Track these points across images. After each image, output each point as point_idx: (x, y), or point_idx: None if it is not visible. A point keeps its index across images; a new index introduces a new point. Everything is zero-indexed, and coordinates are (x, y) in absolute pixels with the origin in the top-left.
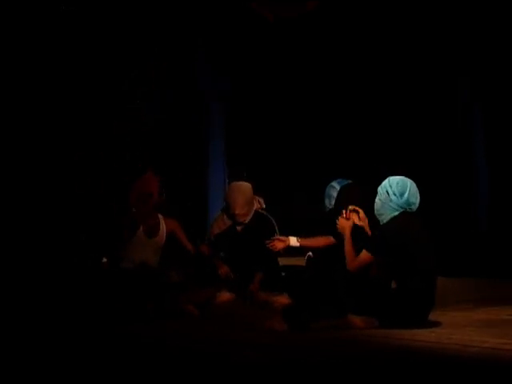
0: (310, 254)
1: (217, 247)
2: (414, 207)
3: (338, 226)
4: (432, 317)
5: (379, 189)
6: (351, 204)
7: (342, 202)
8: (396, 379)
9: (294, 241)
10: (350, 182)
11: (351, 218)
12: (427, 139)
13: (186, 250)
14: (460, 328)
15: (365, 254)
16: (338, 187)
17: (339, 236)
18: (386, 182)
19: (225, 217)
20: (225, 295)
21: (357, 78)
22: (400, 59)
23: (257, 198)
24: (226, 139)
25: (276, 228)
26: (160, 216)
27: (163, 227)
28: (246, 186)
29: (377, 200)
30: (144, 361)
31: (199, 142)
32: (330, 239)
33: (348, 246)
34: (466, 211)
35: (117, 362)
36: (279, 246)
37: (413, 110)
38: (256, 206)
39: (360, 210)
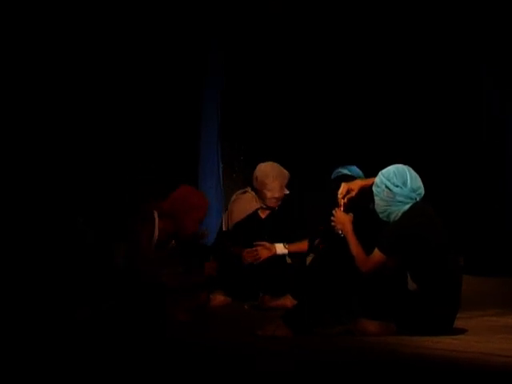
0: None
1: (236, 238)
2: (422, 191)
3: (334, 223)
4: (456, 321)
5: (375, 188)
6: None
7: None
8: None
9: (280, 248)
10: (354, 166)
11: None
12: (454, 133)
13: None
14: (487, 335)
15: (378, 255)
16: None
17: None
18: (381, 179)
19: (248, 199)
20: (219, 298)
21: (376, 62)
22: (422, 46)
23: None
24: (221, 121)
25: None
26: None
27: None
28: (280, 167)
29: (378, 201)
30: (136, 369)
31: (191, 125)
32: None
33: (353, 244)
34: (495, 208)
35: (115, 371)
36: (264, 254)
37: (440, 100)
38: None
39: (352, 186)
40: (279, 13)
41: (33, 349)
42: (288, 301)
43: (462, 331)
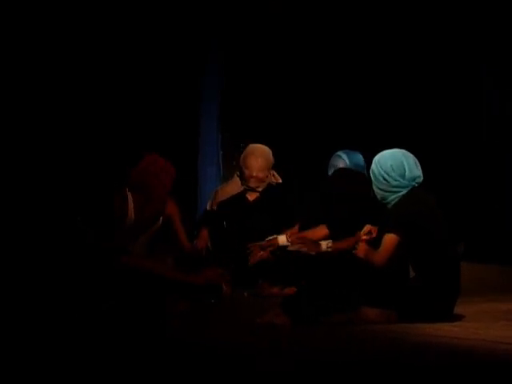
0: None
1: (219, 218)
2: (420, 179)
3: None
4: (457, 308)
5: (373, 177)
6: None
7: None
8: (414, 382)
9: (325, 246)
10: (357, 153)
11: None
12: (454, 132)
13: (180, 243)
14: (487, 322)
15: (389, 238)
16: (345, 158)
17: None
18: (378, 170)
19: (233, 184)
20: None
21: (379, 46)
22: (422, 46)
23: (271, 171)
24: (221, 110)
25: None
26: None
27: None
28: (267, 149)
29: (376, 190)
30: (135, 363)
31: (191, 114)
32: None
33: (364, 253)
34: (495, 199)
35: (115, 371)
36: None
37: (440, 100)
38: (270, 179)
39: (373, 230)
40: (279, 13)
41: (32, 349)
42: (290, 289)
43: (462, 318)
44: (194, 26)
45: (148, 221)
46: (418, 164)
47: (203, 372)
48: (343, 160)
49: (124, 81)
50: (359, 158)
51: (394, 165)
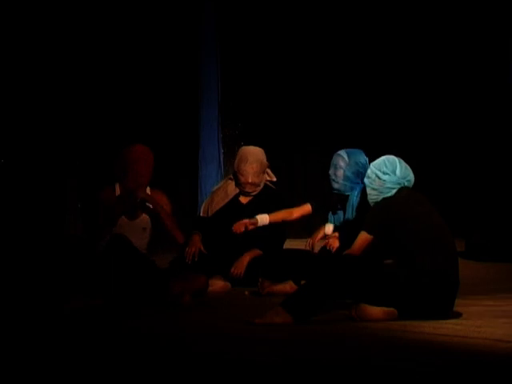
0: None
1: (213, 222)
2: (411, 180)
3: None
4: (458, 307)
5: (367, 180)
6: None
7: None
8: (414, 380)
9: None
10: (359, 151)
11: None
12: (478, 126)
13: (171, 235)
14: (490, 320)
15: (363, 236)
16: (345, 157)
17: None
18: (371, 169)
19: (228, 187)
20: (218, 283)
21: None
22: (444, 43)
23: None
24: (222, 107)
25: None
26: (147, 189)
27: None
28: (260, 151)
29: (370, 191)
30: (136, 361)
31: (191, 112)
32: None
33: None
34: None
35: (110, 362)
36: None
37: (463, 91)
38: (265, 178)
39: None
40: (279, 12)
41: (28, 345)
42: (288, 286)
43: (463, 316)
44: (194, 25)
45: (132, 204)
46: (410, 168)
47: (203, 372)
48: (343, 158)
49: (124, 80)
50: (360, 156)
51: (387, 161)
